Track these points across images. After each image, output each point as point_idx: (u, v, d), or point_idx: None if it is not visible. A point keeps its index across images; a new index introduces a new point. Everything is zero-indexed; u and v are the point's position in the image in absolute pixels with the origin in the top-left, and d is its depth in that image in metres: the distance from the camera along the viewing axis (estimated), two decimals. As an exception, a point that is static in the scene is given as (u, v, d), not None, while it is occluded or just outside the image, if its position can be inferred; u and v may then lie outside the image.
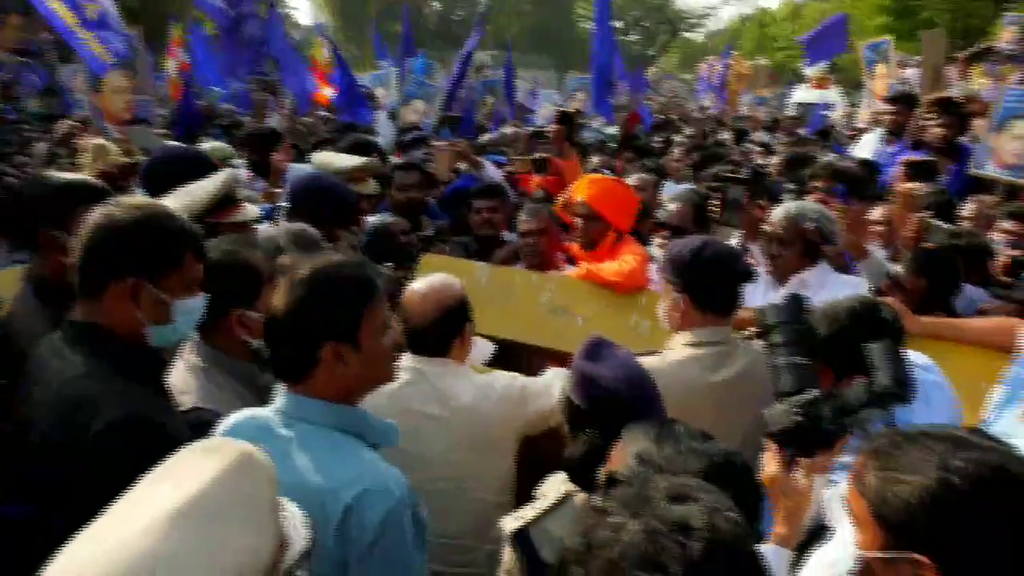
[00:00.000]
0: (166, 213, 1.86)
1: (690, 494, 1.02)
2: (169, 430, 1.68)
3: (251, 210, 2.99)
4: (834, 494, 1.83)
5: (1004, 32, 12.70)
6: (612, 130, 9.81)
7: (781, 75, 27.50)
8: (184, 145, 5.06)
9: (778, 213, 3.29)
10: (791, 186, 4.94)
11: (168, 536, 0.98)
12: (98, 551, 0.97)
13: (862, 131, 7.67)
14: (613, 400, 1.85)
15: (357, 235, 3.87)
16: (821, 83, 15.21)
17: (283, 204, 3.81)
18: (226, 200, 2.84)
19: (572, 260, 3.69)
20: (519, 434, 2.48)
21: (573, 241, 3.65)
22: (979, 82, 9.54)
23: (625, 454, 1.59)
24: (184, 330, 1.89)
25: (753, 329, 2.32)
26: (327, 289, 1.69)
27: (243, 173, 5.20)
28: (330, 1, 47.09)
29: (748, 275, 2.54)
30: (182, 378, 2.06)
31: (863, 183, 4.72)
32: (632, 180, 4.86)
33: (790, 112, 13.96)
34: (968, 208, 4.08)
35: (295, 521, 1.17)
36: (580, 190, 3.55)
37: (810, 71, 15.37)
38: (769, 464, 1.71)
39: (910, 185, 3.41)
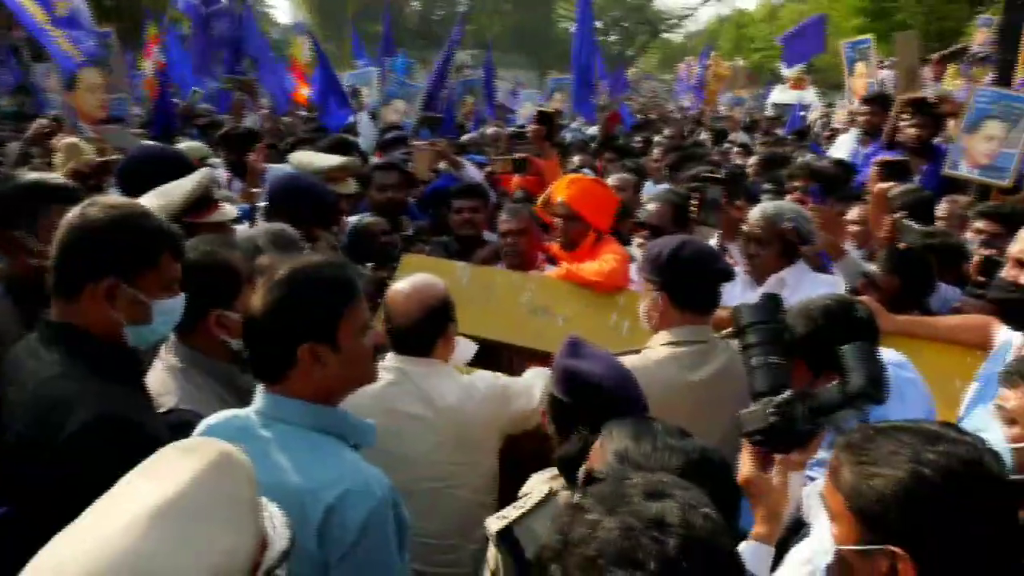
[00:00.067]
0: (143, 212, 1.85)
1: (666, 491, 1.03)
2: (148, 430, 1.67)
3: (229, 210, 2.98)
4: (812, 490, 1.85)
5: (977, 34, 12.89)
6: (593, 130, 9.85)
7: (759, 75, 27.71)
8: (161, 145, 5.02)
9: (755, 213, 3.32)
10: (768, 186, 4.99)
11: (147, 535, 0.98)
12: (78, 550, 0.97)
13: (838, 131, 7.76)
14: (597, 393, 1.87)
15: (337, 235, 3.86)
16: (798, 84, 15.37)
17: (261, 204, 3.79)
18: (203, 200, 2.82)
19: (553, 260, 3.70)
20: (502, 433, 2.49)
21: (553, 241, 3.66)
22: (953, 83, 9.67)
23: (604, 451, 1.60)
24: (162, 330, 1.89)
25: (730, 329, 2.34)
26: (305, 289, 1.69)
27: (221, 173, 5.17)
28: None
29: (727, 274, 2.56)
30: (161, 379, 2.05)
31: (839, 183, 4.77)
32: (612, 180, 4.88)
33: (768, 113, 14.08)
34: (942, 208, 4.14)
35: (276, 521, 1.17)
36: (560, 190, 3.56)
37: (788, 72, 15.51)
38: (745, 464, 1.73)
39: (884, 185, 3.45)
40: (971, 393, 2.52)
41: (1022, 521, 1.33)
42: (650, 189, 5.51)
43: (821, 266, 3.53)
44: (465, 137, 8.02)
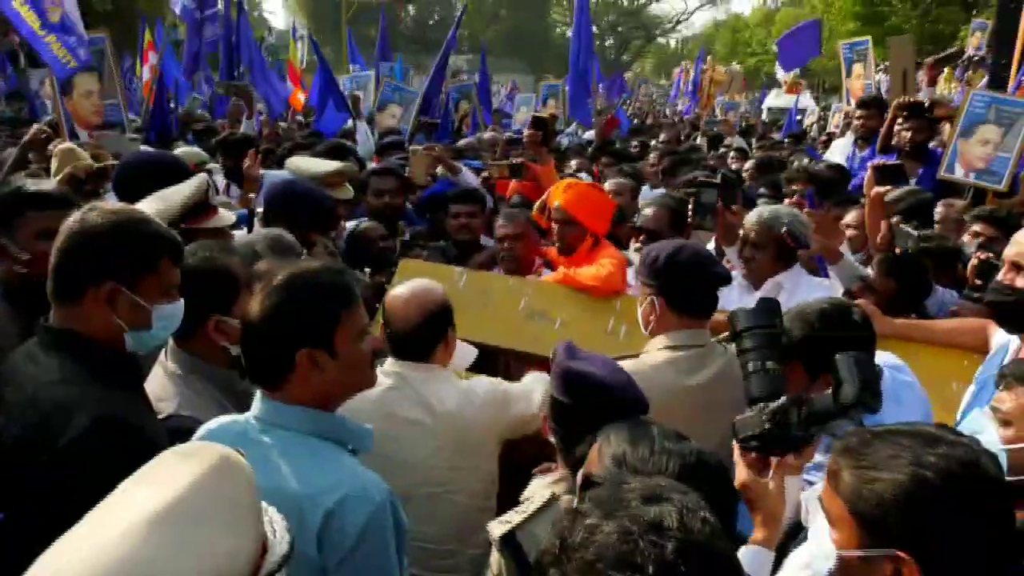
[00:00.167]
0: (142, 218, 1.85)
1: (664, 495, 1.04)
2: (147, 434, 1.67)
3: (226, 216, 2.98)
4: (811, 495, 1.85)
5: (971, 38, 12.95)
6: (589, 135, 9.87)
7: (754, 80, 27.79)
8: (158, 150, 5.02)
9: (752, 217, 3.33)
10: (764, 190, 5.00)
11: (147, 540, 0.98)
12: (77, 556, 0.97)
13: (834, 135, 7.77)
14: (600, 393, 1.87)
15: (334, 240, 3.86)
16: (794, 88, 15.42)
17: (259, 210, 3.79)
18: (202, 205, 2.83)
19: (550, 265, 3.70)
20: (501, 438, 2.49)
21: (550, 246, 3.66)
22: (948, 87, 9.71)
23: (602, 456, 1.60)
24: (162, 335, 1.89)
25: (727, 333, 2.35)
26: (302, 295, 1.69)
27: (219, 179, 5.17)
28: (303, 4, 46.92)
29: (724, 278, 2.57)
30: (160, 385, 2.05)
31: (835, 187, 4.79)
32: (609, 185, 4.89)
33: (764, 117, 14.11)
34: (937, 212, 4.15)
35: (276, 524, 1.17)
36: (556, 195, 3.57)
37: (783, 76, 15.57)
38: (741, 471, 1.73)
39: (880, 189, 3.46)
40: (968, 396, 2.53)
41: (1019, 523, 1.34)
42: (647, 194, 5.51)
43: (816, 270, 3.54)
44: (462, 142, 8.02)
